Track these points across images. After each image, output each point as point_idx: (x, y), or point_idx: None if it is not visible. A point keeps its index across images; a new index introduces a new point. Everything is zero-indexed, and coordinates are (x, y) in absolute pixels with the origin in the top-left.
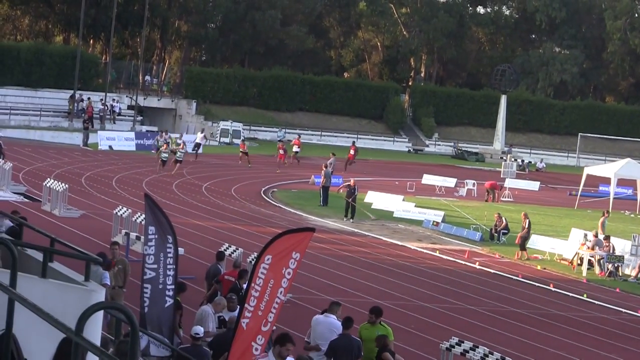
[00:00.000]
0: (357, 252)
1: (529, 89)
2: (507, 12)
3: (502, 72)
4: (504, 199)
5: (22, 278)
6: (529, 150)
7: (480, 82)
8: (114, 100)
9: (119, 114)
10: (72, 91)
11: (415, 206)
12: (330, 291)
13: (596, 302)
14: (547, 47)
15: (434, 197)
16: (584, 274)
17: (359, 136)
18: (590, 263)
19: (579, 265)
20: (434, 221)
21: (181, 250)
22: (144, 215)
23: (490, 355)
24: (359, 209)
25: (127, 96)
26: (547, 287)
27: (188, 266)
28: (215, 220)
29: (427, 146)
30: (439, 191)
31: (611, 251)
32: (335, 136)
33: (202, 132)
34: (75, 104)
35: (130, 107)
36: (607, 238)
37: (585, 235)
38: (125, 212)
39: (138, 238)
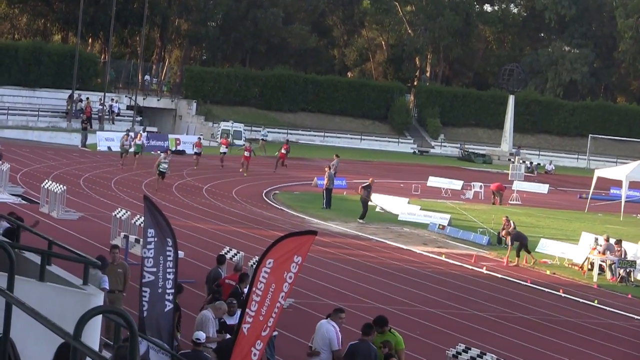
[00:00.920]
0: (361, 256)
1: (538, 89)
2: (515, 10)
3: (510, 72)
4: (511, 202)
5: (19, 281)
6: (537, 152)
7: (488, 82)
8: (112, 100)
9: (118, 114)
10: (70, 91)
11: (421, 209)
12: (333, 296)
13: (607, 308)
14: (556, 46)
15: (440, 200)
16: (595, 279)
17: (363, 137)
18: (601, 268)
19: (589, 270)
20: (439, 224)
21: (181, 254)
22: (143, 218)
23: None
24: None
25: (126, 96)
26: (556, 292)
27: (188, 270)
28: (216, 223)
29: (433, 147)
30: (445, 194)
31: (623, 256)
32: (339, 137)
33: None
34: (74, 104)
35: (129, 107)
36: (618, 242)
37: (596, 239)
38: (124, 214)
39: (137, 241)
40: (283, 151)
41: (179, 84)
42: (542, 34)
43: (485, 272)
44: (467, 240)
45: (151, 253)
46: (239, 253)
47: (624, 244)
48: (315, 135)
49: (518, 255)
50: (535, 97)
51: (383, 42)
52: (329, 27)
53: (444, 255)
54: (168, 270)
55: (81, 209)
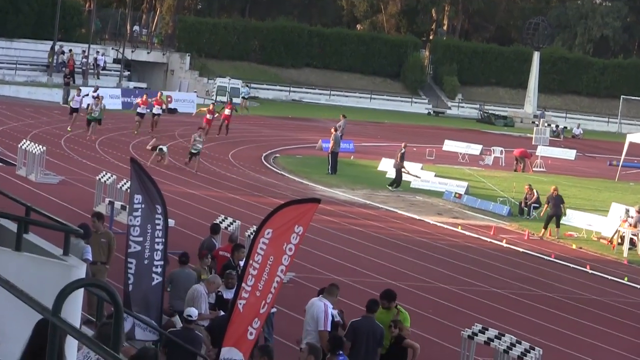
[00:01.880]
0: (369, 227)
1: (565, 45)
2: None
3: (535, 26)
4: (535, 169)
5: None
6: (564, 114)
7: (510, 37)
8: (98, 52)
9: (104, 68)
10: (51, 42)
11: (435, 176)
12: (338, 270)
13: (638, 286)
14: None
15: (457, 166)
16: (625, 254)
17: (373, 96)
18: (632, 242)
19: (619, 244)
20: (456, 193)
21: (171, 222)
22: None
23: (517, 344)
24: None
25: (112, 48)
26: (583, 268)
27: (180, 239)
28: (210, 189)
29: (450, 108)
30: (462, 159)
31: None
32: (346, 96)
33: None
34: (55, 57)
35: (116, 61)
36: None
37: (627, 210)
38: (109, 178)
39: (124, 208)
40: (227, 112)
41: (171, 35)
42: None
43: (505, 245)
44: (486, 210)
45: (137, 221)
46: (235, 222)
47: None
48: (320, 94)
49: (545, 227)
50: (563, 54)
51: None
52: None
53: (460, 227)
54: (157, 240)
55: (62, 172)
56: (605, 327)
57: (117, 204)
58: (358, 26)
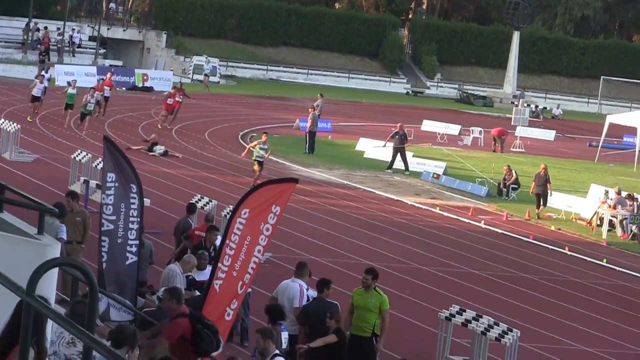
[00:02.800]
0: (346, 207)
1: (546, 25)
2: None
3: (515, 5)
4: (514, 150)
5: None
6: (544, 95)
7: (490, 17)
8: (73, 30)
9: (79, 46)
10: (26, 19)
11: (414, 156)
12: (315, 250)
13: (617, 268)
14: None
15: (435, 146)
16: (604, 236)
17: (351, 75)
18: (611, 224)
19: (598, 226)
20: (434, 173)
21: (147, 202)
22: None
23: (495, 326)
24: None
25: (88, 26)
26: (562, 250)
27: (155, 219)
28: (187, 168)
29: (429, 88)
30: (441, 139)
31: (636, 211)
32: (324, 75)
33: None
34: (30, 34)
35: (92, 39)
36: (631, 196)
37: (607, 192)
38: (84, 157)
39: (99, 186)
40: (179, 99)
41: (147, 13)
42: None
43: (484, 226)
44: (464, 191)
45: (111, 200)
46: (211, 202)
47: (638, 197)
48: (298, 73)
49: (538, 206)
50: (543, 34)
51: None
52: None
53: (438, 208)
54: (131, 219)
55: (37, 151)
56: (584, 309)
57: (92, 183)
58: (336, 5)
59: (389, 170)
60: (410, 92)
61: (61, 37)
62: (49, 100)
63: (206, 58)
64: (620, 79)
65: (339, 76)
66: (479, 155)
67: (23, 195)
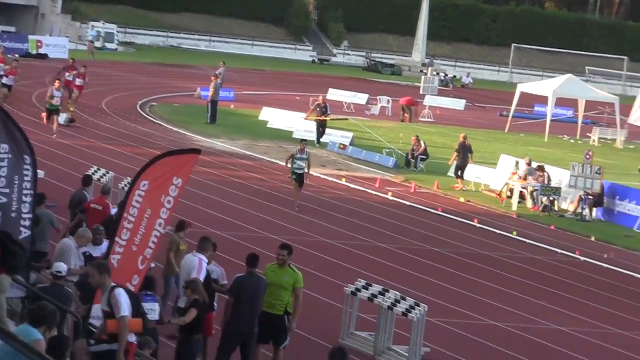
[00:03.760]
0: (249, 179)
1: None
2: None
3: None
4: (423, 119)
5: None
6: (453, 63)
7: None
8: None
9: None
10: None
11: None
12: (218, 224)
13: (527, 240)
14: None
15: (342, 116)
16: (514, 207)
17: (255, 42)
18: (521, 195)
19: (508, 197)
20: (340, 144)
21: (41, 173)
22: None
23: (402, 300)
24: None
25: None
26: (470, 222)
27: (49, 191)
28: (82, 139)
29: (335, 56)
30: (348, 109)
31: (546, 182)
32: (227, 42)
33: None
34: None
35: None
36: (541, 167)
37: (517, 162)
38: None
39: None
40: (78, 82)
41: None
42: None
43: (391, 198)
44: (371, 162)
45: (4, 172)
46: (108, 173)
47: (548, 168)
48: (200, 40)
49: (458, 177)
50: (453, 1)
51: None
52: None
53: (344, 179)
54: (24, 192)
55: None
56: (494, 283)
57: None
58: None
59: (317, 145)
60: (316, 60)
61: None
62: None
63: (91, 27)
64: (532, 46)
65: (242, 43)
66: (387, 125)
67: None
